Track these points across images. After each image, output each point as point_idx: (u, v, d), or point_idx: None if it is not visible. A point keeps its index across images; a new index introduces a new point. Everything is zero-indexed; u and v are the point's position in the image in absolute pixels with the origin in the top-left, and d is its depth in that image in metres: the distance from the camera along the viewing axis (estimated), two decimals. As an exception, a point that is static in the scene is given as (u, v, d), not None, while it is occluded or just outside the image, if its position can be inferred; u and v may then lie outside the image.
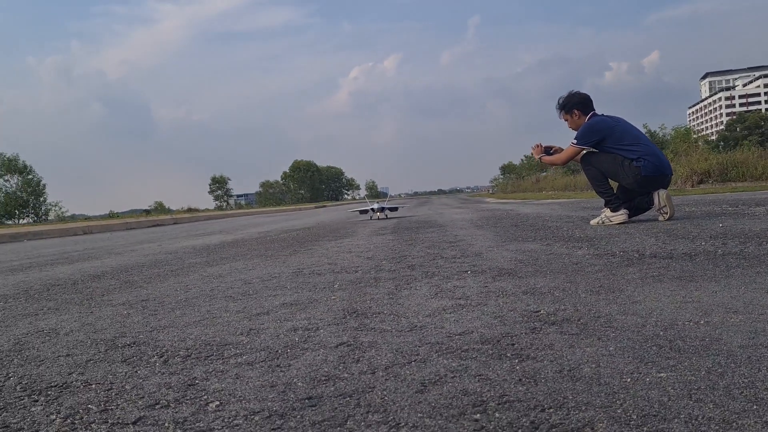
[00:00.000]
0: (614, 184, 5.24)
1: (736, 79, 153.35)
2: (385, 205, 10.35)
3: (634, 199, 5.17)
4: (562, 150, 5.47)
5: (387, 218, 9.98)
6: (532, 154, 5.76)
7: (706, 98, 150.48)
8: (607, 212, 5.10)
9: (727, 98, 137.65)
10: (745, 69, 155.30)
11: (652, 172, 4.93)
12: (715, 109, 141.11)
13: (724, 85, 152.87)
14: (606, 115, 5.24)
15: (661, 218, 5.03)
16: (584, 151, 5.23)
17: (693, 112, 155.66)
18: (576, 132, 5.28)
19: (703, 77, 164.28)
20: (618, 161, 5.02)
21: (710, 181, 17.26)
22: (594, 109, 5.27)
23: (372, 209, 10.12)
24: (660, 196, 4.98)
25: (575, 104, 5.31)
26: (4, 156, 48.96)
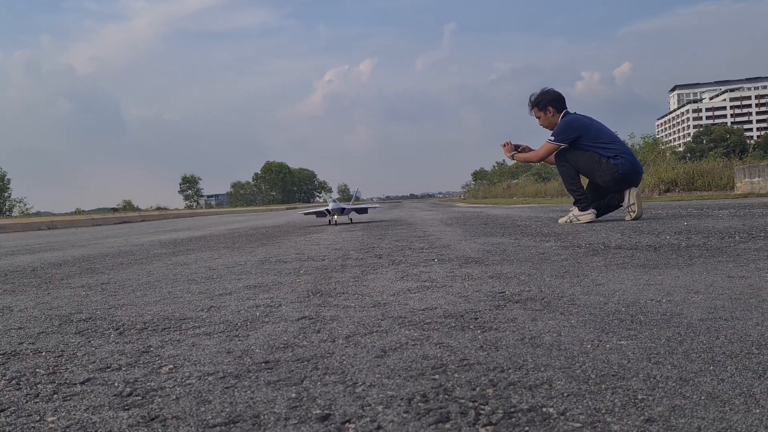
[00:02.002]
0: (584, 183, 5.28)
1: (703, 92, 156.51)
2: (348, 205, 8.36)
3: (603, 197, 5.22)
4: (531, 149, 5.51)
5: (351, 222, 8.15)
6: (505, 155, 5.73)
7: (674, 110, 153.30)
8: (575, 211, 5.15)
9: (694, 111, 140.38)
10: (712, 83, 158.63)
11: (629, 169, 5.00)
12: (683, 121, 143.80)
13: (692, 97, 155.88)
14: (579, 114, 5.28)
15: (627, 217, 5.08)
16: (561, 148, 5.22)
17: (661, 124, 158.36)
18: (548, 130, 5.32)
19: (672, 89, 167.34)
20: (595, 159, 5.05)
21: (677, 190, 17.55)
22: (567, 108, 5.31)
23: (327, 210, 7.76)
24: (630, 194, 5.03)
25: (550, 101, 5.31)
26: (-32, 150, 47.80)
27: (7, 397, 1.03)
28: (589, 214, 5.06)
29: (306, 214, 9.24)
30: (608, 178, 5.03)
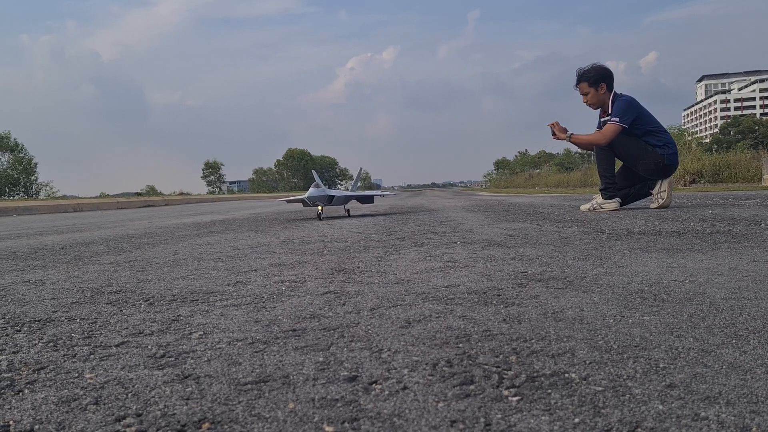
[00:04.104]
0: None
1: (732, 82, 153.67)
2: (338, 192, 6.20)
3: (632, 186, 5.15)
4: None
5: (349, 215, 6.25)
6: (552, 132, 5.17)
7: (701, 101, 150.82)
8: (599, 199, 5.11)
9: (722, 101, 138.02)
10: (741, 73, 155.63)
11: (673, 161, 4.92)
12: (710, 112, 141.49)
13: (719, 88, 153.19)
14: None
15: (653, 205, 5.04)
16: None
17: (688, 114, 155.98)
18: (593, 108, 5.15)
19: (700, 80, 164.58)
20: (641, 146, 4.91)
21: (702, 182, 17.32)
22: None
23: (305, 200, 5.64)
24: (663, 182, 4.97)
25: (603, 77, 5.05)
26: (-4, 132, 48.62)
27: (45, 356, 1.07)
28: (613, 203, 5.03)
29: (289, 201, 7.06)
30: (652, 167, 4.91)
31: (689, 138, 31.00)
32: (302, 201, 5.84)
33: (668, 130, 5.30)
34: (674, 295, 1.39)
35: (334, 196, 5.79)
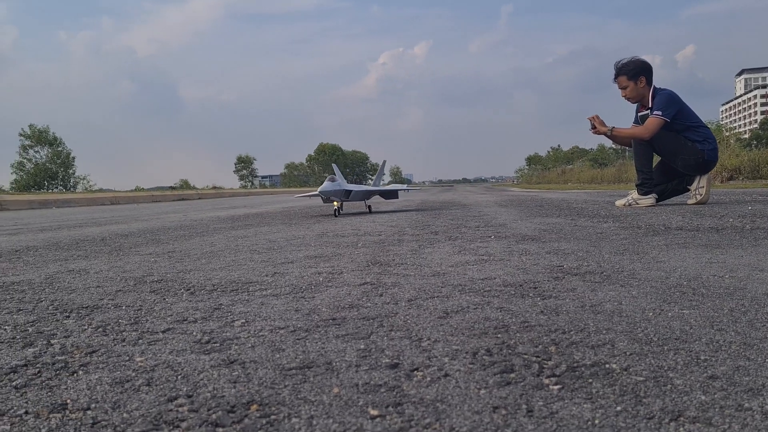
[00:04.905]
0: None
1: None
2: (356, 187, 5.67)
3: (669, 182, 5.09)
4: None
5: (370, 211, 5.82)
6: (592, 125, 5.08)
7: (740, 95, 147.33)
8: (635, 195, 5.05)
9: (762, 96, 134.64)
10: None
11: (713, 156, 4.84)
12: (750, 107, 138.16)
13: (760, 82, 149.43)
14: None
15: (691, 201, 4.96)
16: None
17: (726, 109, 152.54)
18: (632, 102, 5.08)
19: (739, 74, 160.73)
20: (680, 141, 4.84)
21: (740, 178, 16.95)
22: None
23: (320, 193, 5.15)
24: (702, 177, 4.90)
25: (643, 70, 4.98)
26: (35, 127, 49.72)
27: (96, 340, 1.11)
28: (649, 199, 4.96)
29: (308, 197, 6.57)
30: (692, 163, 4.83)
31: (727, 133, 30.38)
32: (327, 199, 5.35)
33: (706, 125, 5.20)
34: (714, 290, 1.38)
35: (351, 191, 5.35)
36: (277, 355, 0.97)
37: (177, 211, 8.46)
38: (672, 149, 4.90)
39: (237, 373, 0.89)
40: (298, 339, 1.06)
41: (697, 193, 4.92)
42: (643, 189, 4.98)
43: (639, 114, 5.11)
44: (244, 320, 1.23)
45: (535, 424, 0.67)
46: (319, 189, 5.12)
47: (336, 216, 5.12)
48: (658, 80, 5.03)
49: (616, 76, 5.05)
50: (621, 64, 5.02)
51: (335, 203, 5.19)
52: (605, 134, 5.06)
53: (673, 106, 4.84)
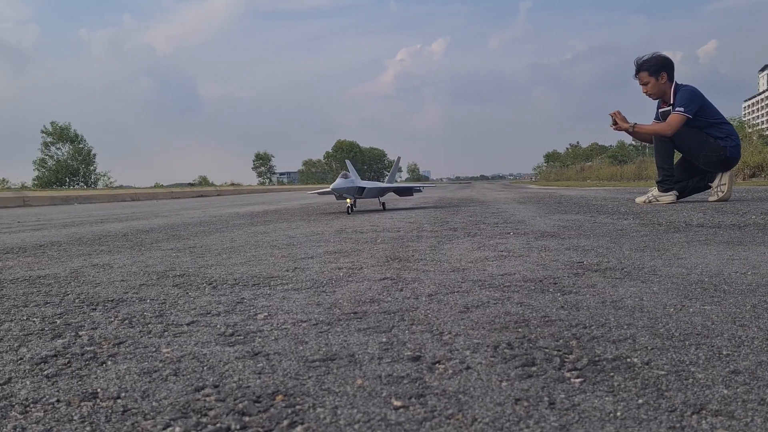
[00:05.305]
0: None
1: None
2: (371, 184, 5.54)
3: (690, 179, 5.04)
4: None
5: (384, 208, 5.66)
6: (614, 121, 5.04)
7: (764, 91, 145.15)
8: (655, 191, 5.01)
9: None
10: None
11: (736, 153, 4.78)
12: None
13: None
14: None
15: (712, 198, 4.91)
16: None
17: (749, 106, 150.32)
18: (653, 98, 5.05)
19: (762, 69, 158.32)
20: (702, 138, 4.79)
21: (763, 175, 16.73)
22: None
23: (332, 190, 5.06)
24: (724, 174, 4.85)
25: (664, 66, 4.93)
26: (57, 124, 50.33)
27: (123, 332, 1.13)
28: (670, 196, 4.92)
29: (320, 194, 6.46)
30: (714, 160, 4.78)
31: (750, 130, 29.98)
32: (340, 196, 5.29)
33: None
34: (736, 287, 1.37)
35: (364, 188, 5.22)
36: (301, 348, 0.98)
37: (196, 208, 8.53)
38: (694, 146, 4.86)
39: (261, 364, 0.90)
40: (320, 332, 1.08)
41: (718, 190, 4.87)
42: (664, 186, 4.94)
43: (660, 110, 5.07)
44: (266, 313, 1.25)
45: (557, 416, 0.68)
46: (332, 186, 5.03)
47: (349, 213, 5.03)
48: (679, 76, 4.99)
49: (637, 72, 5.01)
50: (642, 60, 4.98)
51: (348, 200, 5.12)
52: (627, 130, 5.03)
53: (695, 102, 4.79)
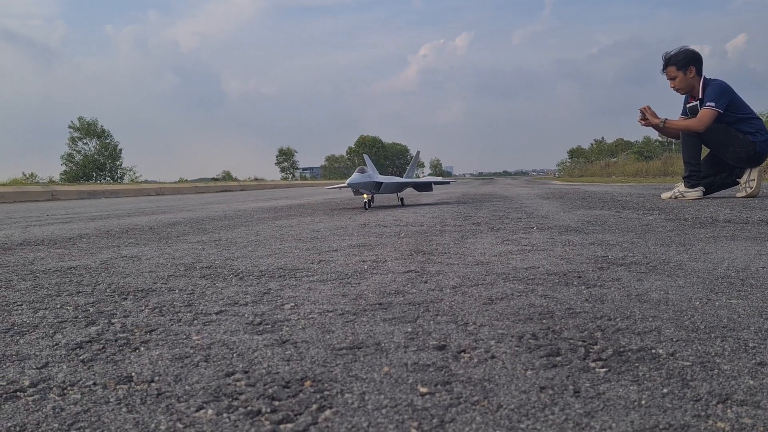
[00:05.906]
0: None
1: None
2: (388, 179, 5.44)
3: (718, 174, 4.97)
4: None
5: (403, 204, 5.59)
6: (643, 116, 4.99)
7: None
8: (681, 187, 4.95)
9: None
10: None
11: (766, 149, 4.66)
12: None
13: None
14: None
15: (740, 194, 4.84)
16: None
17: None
18: (681, 93, 4.98)
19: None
20: (731, 133, 4.71)
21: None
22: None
23: (349, 185, 4.92)
24: (752, 170, 4.78)
25: (692, 60, 4.86)
26: (84, 120, 51.00)
27: (154, 320, 1.16)
28: (696, 192, 4.86)
29: (340, 188, 6.20)
30: (743, 155, 4.71)
31: (779, 125, 29.44)
32: (358, 192, 5.08)
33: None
34: (763, 281, 1.36)
35: (382, 183, 5.11)
36: (327, 336, 1.00)
37: (220, 202, 8.61)
38: (722, 141, 4.78)
39: (290, 352, 0.92)
40: (346, 321, 1.10)
41: (747, 185, 4.80)
42: (690, 181, 4.88)
43: (687, 105, 5.00)
44: (293, 304, 1.27)
45: (582, 403, 0.69)
46: (348, 181, 4.90)
47: (366, 209, 4.93)
48: (707, 71, 4.92)
49: (665, 66, 4.95)
50: (670, 55, 4.92)
51: (365, 196, 5.00)
52: (656, 126, 4.98)
53: (725, 96, 4.71)
